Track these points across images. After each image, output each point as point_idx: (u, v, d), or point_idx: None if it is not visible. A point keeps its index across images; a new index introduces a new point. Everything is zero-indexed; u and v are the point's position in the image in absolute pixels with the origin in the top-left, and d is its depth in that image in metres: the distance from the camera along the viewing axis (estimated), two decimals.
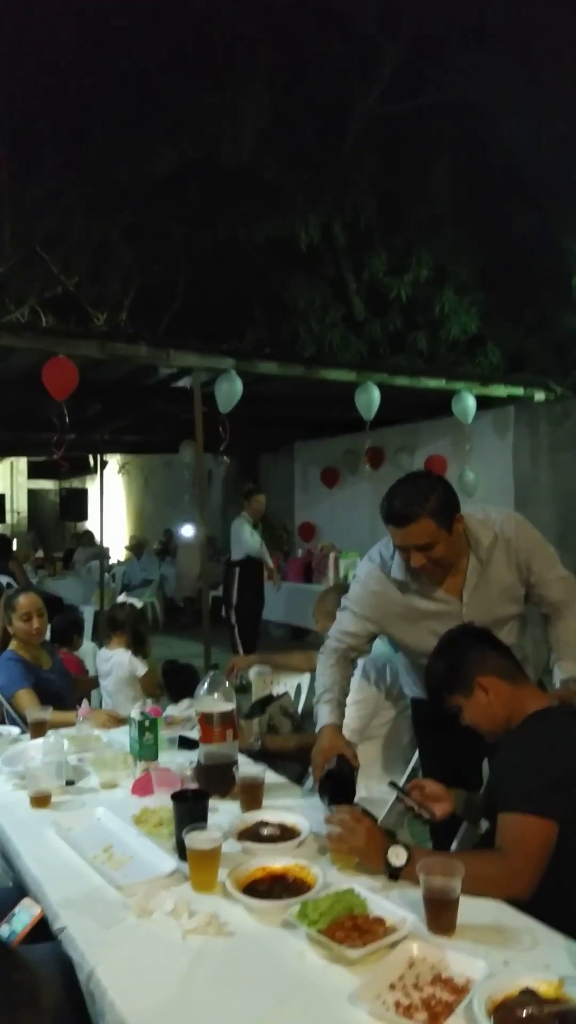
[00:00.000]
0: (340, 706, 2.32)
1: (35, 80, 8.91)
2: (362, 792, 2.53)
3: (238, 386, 5.85)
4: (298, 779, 2.67)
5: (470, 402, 6.81)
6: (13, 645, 3.23)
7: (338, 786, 2.06)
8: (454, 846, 2.27)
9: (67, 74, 8.93)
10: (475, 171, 8.46)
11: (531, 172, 7.91)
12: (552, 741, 1.73)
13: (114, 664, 3.79)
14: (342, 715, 2.32)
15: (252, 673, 3.44)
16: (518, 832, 1.64)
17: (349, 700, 2.41)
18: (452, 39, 8.01)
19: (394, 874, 1.68)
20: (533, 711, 1.81)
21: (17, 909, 1.45)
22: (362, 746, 2.61)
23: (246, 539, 7.17)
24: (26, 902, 1.47)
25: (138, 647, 3.78)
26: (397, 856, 1.67)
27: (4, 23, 8.29)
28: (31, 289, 10.31)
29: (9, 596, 3.26)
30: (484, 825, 1.96)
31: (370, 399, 6.35)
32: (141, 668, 3.76)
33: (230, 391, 5.85)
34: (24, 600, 3.22)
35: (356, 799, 2.45)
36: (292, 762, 2.80)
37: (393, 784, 2.12)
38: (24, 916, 1.41)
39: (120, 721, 2.91)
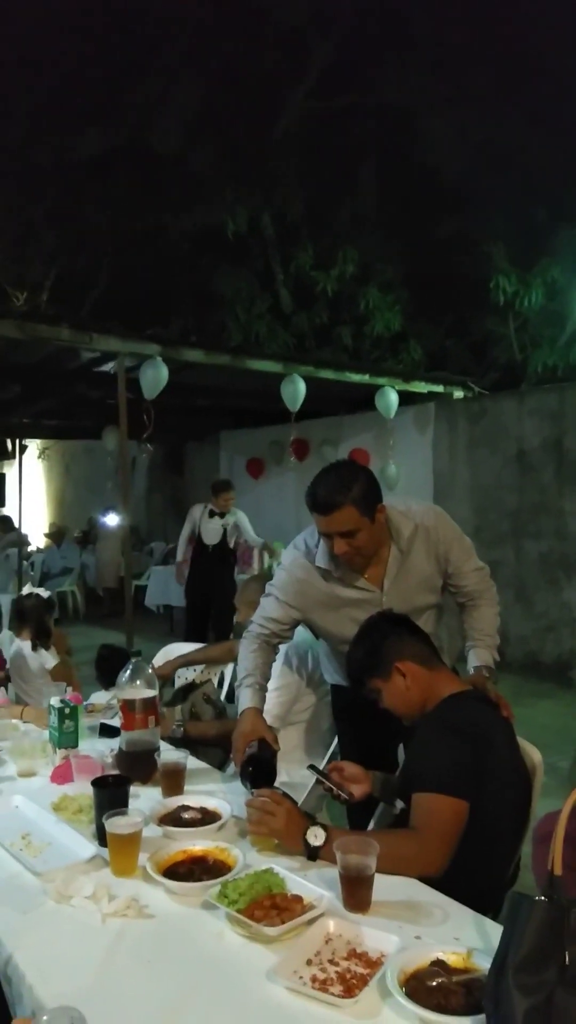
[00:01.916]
0: (261, 690, 2.36)
1: None
2: (283, 776, 2.58)
3: (163, 373, 5.80)
4: (220, 765, 2.69)
5: (392, 397, 6.95)
6: None
7: (259, 769, 2.09)
8: (371, 826, 2.35)
9: None
10: (400, 173, 8.61)
11: (454, 176, 8.11)
12: (464, 724, 1.80)
13: (20, 655, 3.71)
14: (263, 699, 2.35)
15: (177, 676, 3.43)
16: (430, 811, 1.71)
17: (271, 686, 2.45)
18: (380, 43, 8.12)
19: (312, 854, 1.72)
20: (447, 695, 1.89)
21: None
22: (283, 731, 2.66)
23: (207, 528, 7.07)
24: None
25: (41, 639, 3.68)
26: (315, 836, 1.71)
27: None
28: None
29: None
30: (399, 805, 2.03)
31: (296, 391, 6.40)
32: (50, 660, 3.67)
33: (155, 378, 5.79)
34: None
35: (277, 783, 2.49)
36: (214, 748, 2.81)
37: (312, 767, 2.17)
38: None
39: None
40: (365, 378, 6.93)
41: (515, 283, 7.62)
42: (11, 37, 8.31)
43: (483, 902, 1.63)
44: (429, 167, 8.16)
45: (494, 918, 1.59)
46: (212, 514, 7.04)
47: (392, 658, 1.92)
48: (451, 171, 7.98)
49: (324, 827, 1.74)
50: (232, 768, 2.65)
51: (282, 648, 2.62)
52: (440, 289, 8.66)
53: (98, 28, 8.27)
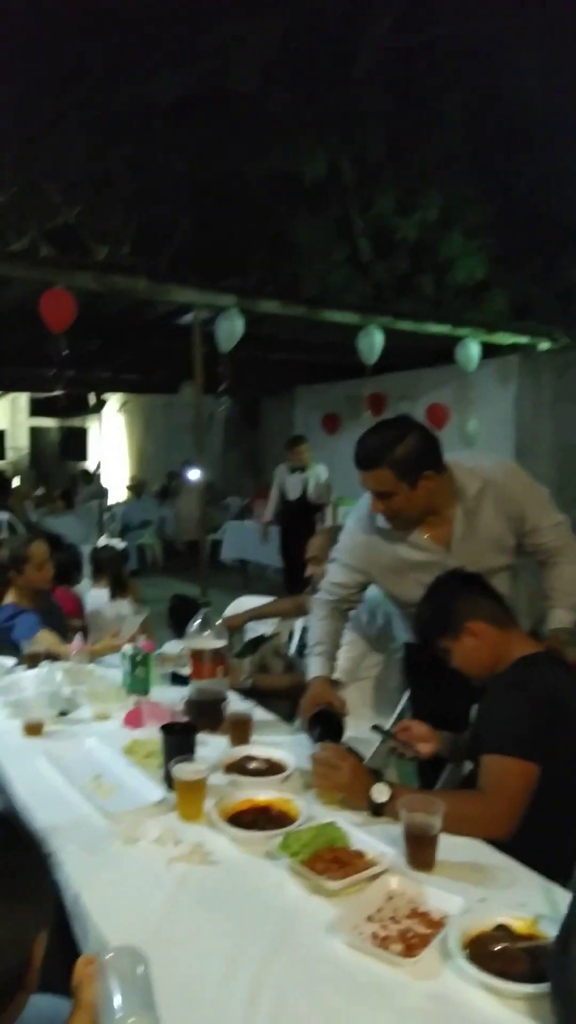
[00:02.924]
0: (331, 659, 2.34)
1: (33, 7, 8.50)
2: (350, 732, 2.56)
3: (239, 325, 5.75)
4: (287, 718, 2.70)
5: (474, 350, 6.71)
6: (11, 597, 3.22)
7: (327, 725, 2.09)
8: (439, 786, 2.32)
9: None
10: (487, 112, 8.15)
11: (545, 116, 7.61)
12: (535, 686, 1.74)
13: (97, 604, 3.81)
14: (332, 668, 2.33)
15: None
16: (500, 773, 1.66)
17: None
18: None
19: (376, 810, 1.70)
20: (519, 657, 1.82)
21: None
22: (351, 687, 2.64)
23: (289, 484, 7.16)
24: None
25: (118, 589, 3.76)
26: (380, 793, 1.69)
27: None
28: (32, 219, 10.05)
29: (16, 547, 3.24)
30: (468, 766, 1.99)
31: (372, 343, 6.25)
32: (126, 609, 3.76)
33: (231, 329, 5.74)
34: (36, 549, 3.22)
35: (343, 739, 2.50)
36: (282, 701, 2.83)
37: (377, 727, 2.15)
38: None
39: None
40: (446, 329, 6.69)
41: None
42: None
43: (552, 869, 1.58)
44: (518, 104, 7.68)
45: (563, 885, 1.55)
46: (292, 470, 7.15)
47: (462, 618, 1.86)
48: (541, 108, 7.50)
49: (390, 784, 1.71)
50: (299, 723, 2.66)
51: None
52: (526, 235, 8.23)
53: None
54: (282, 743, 2.18)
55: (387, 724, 2.54)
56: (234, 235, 8.93)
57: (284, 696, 2.85)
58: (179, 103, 8.27)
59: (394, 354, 6.50)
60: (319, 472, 7.11)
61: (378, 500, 2.15)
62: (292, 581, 6.82)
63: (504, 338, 7.02)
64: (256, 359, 7.56)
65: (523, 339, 7.11)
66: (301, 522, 6.87)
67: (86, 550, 6.92)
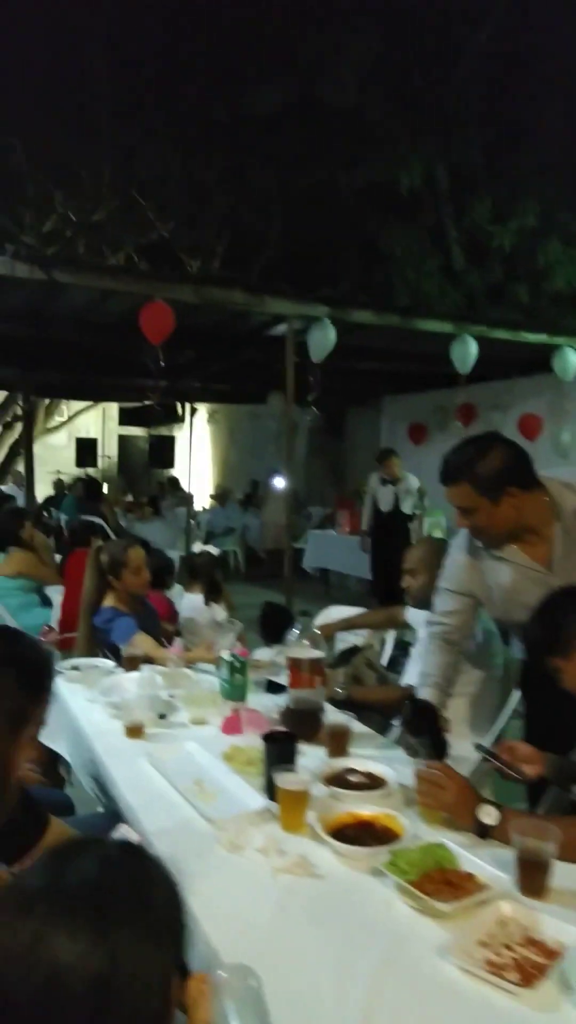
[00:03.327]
0: (443, 693, 2.31)
1: (132, 18, 8.79)
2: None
3: (331, 335, 5.76)
4: (381, 730, 2.67)
5: (572, 358, 6.52)
6: (110, 601, 3.30)
7: (432, 738, 2.06)
8: (540, 809, 2.24)
9: (167, 11, 8.77)
10: None
11: None
12: None
13: (192, 609, 3.86)
14: (443, 703, 2.31)
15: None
16: None
17: None
18: None
19: (483, 832, 1.66)
20: None
21: (115, 835, 1.49)
22: (450, 701, 2.58)
23: (380, 495, 7.21)
24: (123, 829, 1.52)
25: (213, 594, 3.81)
26: (488, 815, 1.65)
27: None
28: (127, 234, 10.37)
29: (115, 552, 3.32)
30: None
31: (467, 352, 6.15)
32: (220, 614, 3.81)
33: (323, 340, 5.76)
34: (134, 554, 3.28)
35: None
36: (375, 713, 2.80)
37: (481, 747, 2.10)
38: None
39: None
40: (542, 338, 6.53)
41: None
42: None
43: None
44: None
45: None
46: (384, 481, 7.19)
47: (573, 636, 1.79)
48: None
49: (498, 805, 1.66)
50: (393, 733, 2.63)
51: None
52: None
53: None
54: (379, 756, 2.15)
55: (485, 742, 2.48)
56: (326, 245, 8.97)
57: (377, 709, 2.83)
58: (275, 115, 8.38)
59: (486, 363, 6.39)
60: (411, 483, 7.11)
61: (461, 516, 2.18)
62: (382, 592, 6.79)
63: None
64: (344, 369, 7.56)
65: None
66: (393, 533, 6.87)
67: (173, 555, 7.08)
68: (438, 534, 6.74)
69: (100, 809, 2.73)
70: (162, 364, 5.38)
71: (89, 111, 9.58)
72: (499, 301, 8.36)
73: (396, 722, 2.66)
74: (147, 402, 9.83)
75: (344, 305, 6.01)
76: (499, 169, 8.22)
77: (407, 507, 7.04)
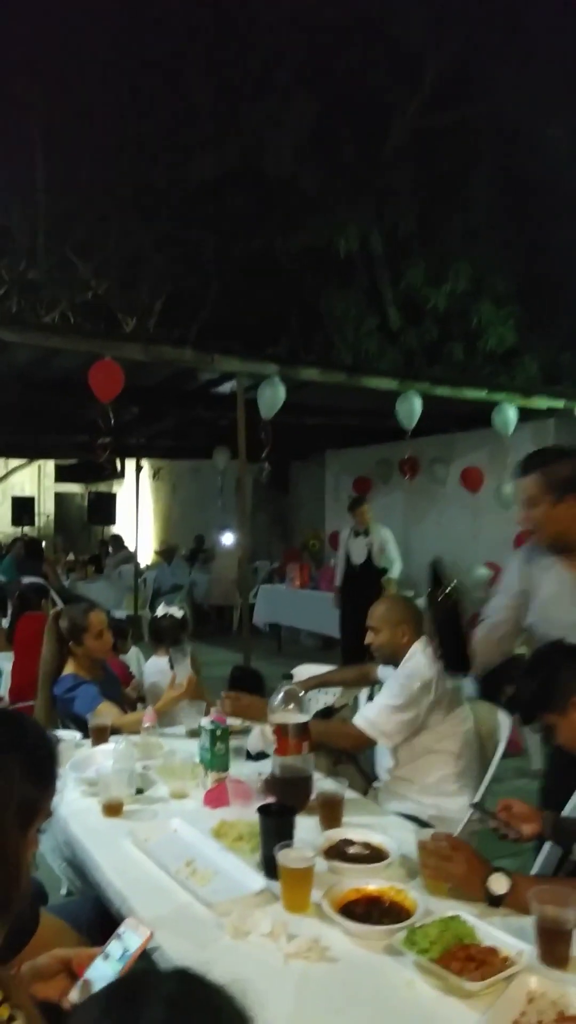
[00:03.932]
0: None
1: (73, 86, 8.95)
2: (431, 811, 2.48)
3: (281, 392, 5.83)
4: (363, 793, 2.62)
5: (511, 414, 6.75)
6: (71, 668, 3.18)
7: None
8: (536, 866, 2.21)
9: (106, 79, 8.97)
10: (513, 183, 8.40)
11: (568, 186, 7.83)
12: None
13: (157, 673, 3.74)
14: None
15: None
16: None
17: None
18: (492, 52, 7.97)
19: (495, 901, 1.62)
20: None
21: (123, 930, 1.39)
22: (427, 758, 2.55)
23: (352, 548, 7.00)
24: (131, 922, 1.42)
25: (174, 659, 3.70)
26: (499, 884, 1.61)
27: (43, 24, 8.34)
28: (62, 294, 10.37)
29: (75, 616, 3.22)
30: None
31: (411, 408, 6.30)
32: (182, 674, 3.68)
33: (273, 397, 5.82)
34: (95, 617, 3.20)
35: (427, 816, 2.40)
36: (361, 779, 2.74)
37: (475, 805, 2.08)
38: (134, 937, 1.36)
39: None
40: (483, 394, 6.75)
41: None
42: (126, 63, 8.63)
43: None
44: (542, 177, 7.92)
45: None
46: (356, 533, 6.98)
47: (569, 692, 1.80)
48: (566, 180, 7.71)
49: (507, 873, 1.63)
50: (376, 799, 2.57)
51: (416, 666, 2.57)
52: (554, 301, 8.38)
53: (212, 53, 8.47)
54: (373, 824, 2.10)
55: (474, 800, 2.46)
56: (265, 307, 9.15)
57: (359, 771, 2.77)
58: (215, 181, 8.59)
59: (428, 418, 6.55)
60: (383, 534, 6.94)
61: (522, 510, 2.33)
62: (352, 649, 6.61)
63: (540, 402, 7.06)
64: (290, 424, 7.65)
65: (559, 403, 7.15)
66: (366, 587, 6.68)
67: (120, 615, 6.89)
68: (395, 584, 6.73)
69: (64, 892, 2.58)
70: (112, 422, 5.32)
71: (25, 173, 9.66)
72: (436, 359, 8.65)
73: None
74: (91, 458, 9.67)
75: (292, 363, 6.11)
76: (431, 234, 8.59)
77: (378, 559, 6.87)
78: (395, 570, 6.92)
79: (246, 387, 5.88)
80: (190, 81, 8.78)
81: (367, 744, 2.53)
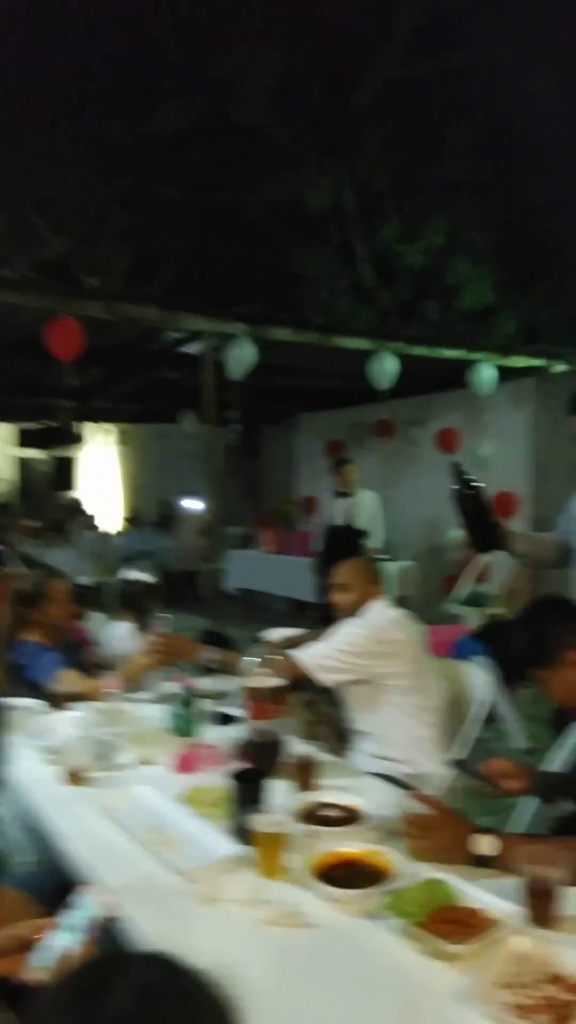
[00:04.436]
0: None
1: (27, 32, 8.53)
2: (408, 768, 2.42)
3: (250, 352, 5.65)
4: (339, 754, 2.56)
5: (489, 373, 6.64)
6: (31, 634, 3.05)
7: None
8: (518, 823, 2.17)
9: (65, 26, 8.55)
10: (493, 136, 8.19)
11: (550, 138, 7.66)
12: None
13: (121, 639, 3.64)
14: None
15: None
16: None
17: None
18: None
19: (481, 863, 1.55)
20: None
21: (82, 896, 1.28)
22: (403, 718, 2.49)
23: (334, 510, 6.84)
24: (91, 888, 1.30)
25: (144, 623, 3.61)
26: (487, 846, 1.54)
27: None
28: (19, 252, 9.99)
29: (36, 583, 3.11)
30: (565, 807, 1.84)
31: (385, 369, 6.17)
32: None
33: (242, 357, 5.65)
34: (57, 584, 3.10)
35: (402, 774, 2.34)
36: (334, 739, 2.68)
37: (458, 762, 2.02)
38: (95, 906, 1.25)
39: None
40: (460, 353, 6.62)
41: None
42: (86, 8, 8.23)
43: None
44: (523, 129, 7.72)
45: None
46: (338, 494, 6.80)
47: (561, 646, 1.73)
48: (547, 132, 7.54)
49: (493, 832, 1.56)
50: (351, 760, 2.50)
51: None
52: (533, 258, 8.22)
53: None
54: (348, 786, 2.02)
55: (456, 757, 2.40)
56: (236, 264, 8.90)
57: (337, 734, 2.71)
58: (180, 133, 8.27)
59: (402, 379, 6.42)
60: (368, 498, 6.76)
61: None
62: (327, 612, 6.52)
63: (518, 361, 6.95)
64: (260, 387, 7.48)
65: (538, 362, 7.04)
66: (345, 551, 6.54)
67: (84, 581, 6.72)
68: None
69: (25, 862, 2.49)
70: (76, 383, 5.13)
71: None
72: (411, 319, 8.48)
73: None
74: (53, 423, 9.43)
75: (262, 322, 5.93)
76: (406, 189, 8.37)
77: (360, 521, 6.64)
78: (378, 537, 6.80)
79: (214, 347, 5.70)
80: (154, 27, 8.39)
81: (301, 676, 2.44)
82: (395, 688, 2.47)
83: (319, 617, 6.20)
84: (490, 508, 2.65)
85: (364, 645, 2.46)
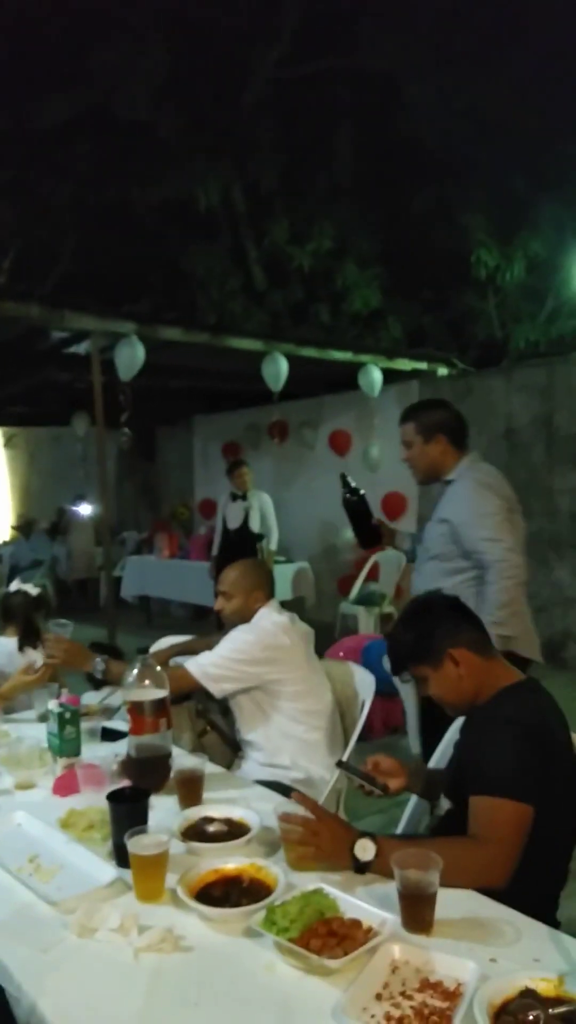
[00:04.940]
0: None
1: None
2: (296, 773, 2.42)
3: (140, 352, 5.54)
4: (228, 766, 2.52)
5: (376, 375, 6.78)
6: None
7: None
8: (403, 821, 2.20)
9: None
10: (378, 142, 8.36)
11: (434, 145, 7.88)
12: (529, 721, 1.65)
13: (3, 655, 3.47)
14: None
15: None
16: (495, 818, 1.56)
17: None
18: (357, 3, 7.83)
19: (361, 868, 1.56)
20: (503, 687, 1.73)
21: None
22: (290, 724, 2.48)
23: (229, 512, 6.71)
24: None
25: (29, 639, 3.45)
26: (364, 850, 1.55)
27: None
28: None
29: None
30: (444, 805, 1.87)
31: (278, 370, 6.19)
32: (40, 661, 3.43)
33: (131, 357, 5.53)
34: None
35: (290, 780, 2.34)
36: (224, 748, 2.64)
37: (340, 763, 2.03)
38: None
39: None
40: (348, 356, 6.73)
41: (496, 257, 7.48)
42: None
43: (538, 911, 1.49)
44: (409, 135, 7.92)
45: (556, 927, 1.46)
46: (234, 497, 6.72)
47: (445, 644, 1.75)
48: (431, 140, 7.75)
49: (372, 837, 1.57)
50: (244, 768, 2.48)
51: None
52: (418, 263, 8.47)
53: None
54: (236, 798, 2.00)
55: (344, 758, 2.41)
56: (125, 262, 8.72)
57: (228, 743, 2.68)
58: (64, 126, 8.02)
59: (295, 381, 6.47)
60: (263, 500, 6.71)
61: (403, 451, 2.96)
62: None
63: (404, 364, 7.14)
64: (153, 388, 7.35)
65: (422, 365, 7.25)
66: (241, 554, 6.48)
67: None
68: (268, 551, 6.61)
69: None
70: None
71: None
72: (302, 321, 8.56)
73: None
74: None
75: (151, 322, 5.82)
76: (294, 192, 8.43)
77: (255, 524, 6.63)
78: (273, 539, 6.80)
79: (102, 347, 5.56)
80: (36, 17, 8.10)
81: (193, 687, 2.42)
82: (284, 694, 2.46)
83: (218, 623, 6.18)
84: (369, 512, 3.09)
85: (252, 652, 2.44)
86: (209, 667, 2.42)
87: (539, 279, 7.76)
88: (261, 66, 8.16)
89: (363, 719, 2.56)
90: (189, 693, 2.59)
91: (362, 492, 3.05)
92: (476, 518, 2.70)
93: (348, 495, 3.03)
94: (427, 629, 1.78)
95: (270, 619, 2.52)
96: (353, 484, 3.05)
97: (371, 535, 3.10)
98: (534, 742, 1.61)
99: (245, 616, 2.57)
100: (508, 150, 7.54)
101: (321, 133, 8.29)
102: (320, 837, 1.56)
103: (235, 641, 2.48)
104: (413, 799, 2.21)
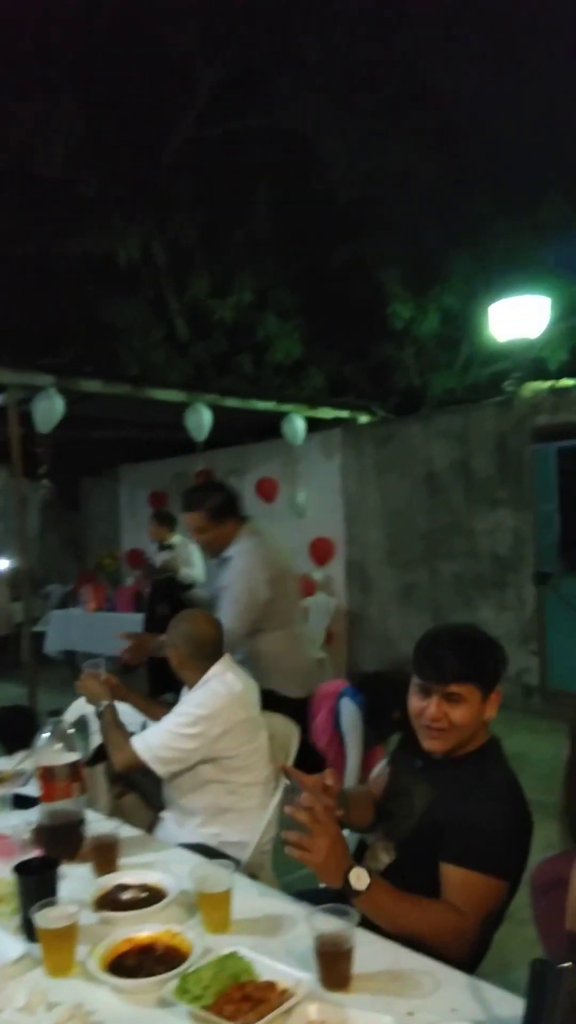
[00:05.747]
0: None
1: None
2: (220, 838, 2.35)
3: (59, 405, 5.49)
4: (149, 829, 2.44)
5: (299, 424, 6.89)
6: None
7: None
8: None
9: None
10: (294, 198, 8.64)
11: (348, 201, 8.19)
12: (515, 793, 1.63)
13: None
14: None
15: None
16: (479, 894, 1.53)
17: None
18: (271, 65, 8.15)
19: (349, 894, 1.48)
20: (483, 744, 1.71)
21: None
22: (219, 787, 2.41)
23: (156, 562, 6.59)
24: None
25: None
26: (359, 879, 1.48)
27: None
28: None
29: None
30: (385, 857, 1.81)
31: (201, 420, 6.23)
32: None
33: (50, 410, 5.47)
34: None
35: (216, 843, 2.28)
36: (143, 811, 2.56)
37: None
38: None
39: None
40: (271, 405, 6.83)
41: (411, 309, 7.76)
42: None
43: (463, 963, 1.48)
44: (324, 192, 8.22)
45: (470, 972, 1.45)
46: (161, 547, 6.62)
47: (497, 681, 1.69)
48: (346, 196, 8.06)
49: (369, 872, 1.50)
50: (164, 831, 2.41)
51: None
52: (337, 315, 8.72)
53: None
54: (154, 862, 1.94)
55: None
56: (44, 315, 8.68)
57: (151, 805, 2.60)
58: None
59: (221, 430, 6.52)
60: (189, 549, 6.58)
61: (194, 536, 3.24)
62: (158, 670, 6.21)
63: (326, 412, 7.29)
64: (75, 438, 7.27)
65: (344, 413, 7.41)
66: (171, 605, 6.33)
67: None
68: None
69: None
70: None
71: None
72: (226, 371, 8.67)
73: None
74: None
75: (71, 374, 5.78)
76: (214, 247, 8.61)
77: (185, 572, 6.51)
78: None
79: (19, 400, 5.48)
80: None
81: (139, 767, 2.35)
82: (228, 767, 2.37)
83: (149, 677, 6.04)
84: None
85: (204, 729, 2.34)
86: (159, 750, 2.33)
87: (454, 329, 8.08)
88: (179, 125, 8.37)
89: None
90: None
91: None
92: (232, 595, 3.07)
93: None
94: (504, 658, 1.72)
95: (225, 688, 2.40)
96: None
97: None
98: (520, 815, 1.60)
99: (200, 678, 2.48)
100: (420, 207, 7.90)
101: (239, 189, 8.52)
102: (318, 853, 1.48)
103: (187, 716, 2.36)
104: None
